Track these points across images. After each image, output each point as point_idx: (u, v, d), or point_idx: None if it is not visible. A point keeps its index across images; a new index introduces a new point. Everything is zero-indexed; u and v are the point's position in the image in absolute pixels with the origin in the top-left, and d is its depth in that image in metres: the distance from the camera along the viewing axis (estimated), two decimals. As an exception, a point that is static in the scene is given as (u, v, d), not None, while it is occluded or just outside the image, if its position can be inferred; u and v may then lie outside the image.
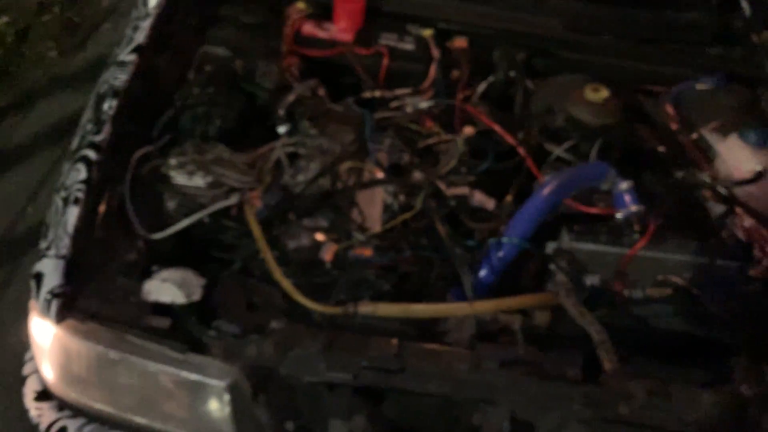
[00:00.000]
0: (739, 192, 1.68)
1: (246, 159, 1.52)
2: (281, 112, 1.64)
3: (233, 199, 1.43)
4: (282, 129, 1.61)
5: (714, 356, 1.46)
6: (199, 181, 1.44)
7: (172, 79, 1.67)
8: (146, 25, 1.70)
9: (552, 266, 1.52)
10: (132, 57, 1.62)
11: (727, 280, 1.53)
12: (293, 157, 1.59)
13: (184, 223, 1.39)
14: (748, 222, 1.63)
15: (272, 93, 1.65)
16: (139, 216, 1.39)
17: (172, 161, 1.46)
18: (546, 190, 1.49)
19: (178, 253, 1.38)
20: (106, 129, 1.48)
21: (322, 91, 1.74)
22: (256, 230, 1.38)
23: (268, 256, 1.34)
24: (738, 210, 1.65)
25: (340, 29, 1.84)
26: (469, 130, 1.66)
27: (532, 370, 1.29)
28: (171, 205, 1.45)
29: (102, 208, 1.39)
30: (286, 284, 1.31)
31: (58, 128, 3.03)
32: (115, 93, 1.53)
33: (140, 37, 1.67)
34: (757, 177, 1.67)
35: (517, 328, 1.40)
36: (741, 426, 1.27)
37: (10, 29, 3.51)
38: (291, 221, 1.45)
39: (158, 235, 1.38)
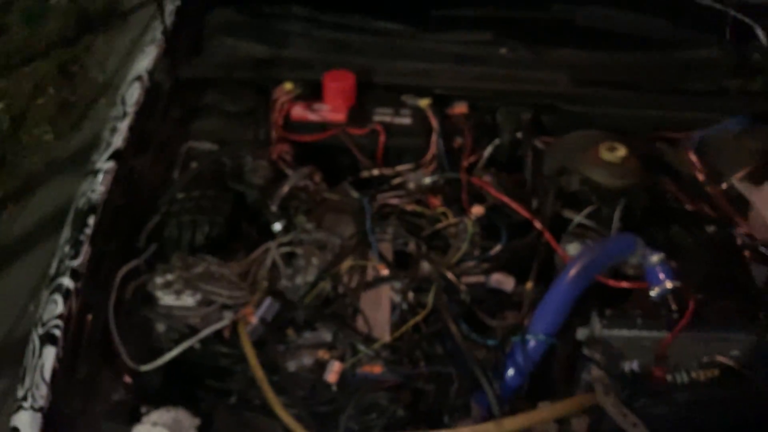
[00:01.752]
0: (784, 250, 1.53)
1: (238, 269, 1.40)
2: (274, 208, 1.52)
3: (226, 320, 1.30)
4: (277, 226, 1.49)
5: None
6: (187, 300, 1.32)
7: (155, 182, 1.57)
8: (124, 126, 1.60)
9: (586, 353, 1.37)
10: (109, 164, 1.51)
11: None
12: (290, 256, 1.46)
13: (174, 352, 1.26)
14: (798, 285, 1.47)
15: (263, 189, 1.54)
16: (124, 345, 1.27)
17: (158, 280, 1.34)
18: (571, 274, 1.35)
19: (169, 386, 1.25)
20: (85, 250, 1.36)
21: (318, 177, 1.62)
22: (252, 357, 1.25)
23: (265, 386, 1.20)
24: (785, 272, 1.49)
25: (332, 109, 1.73)
26: (477, 210, 1.52)
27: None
28: (159, 329, 1.32)
29: (83, 341, 1.27)
30: (288, 419, 1.17)
31: (59, 215, 2.92)
32: (92, 208, 1.43)
33: (118, 141, 1.57)
34: (801, 232, 1.52)
35: (553, 438, 1.25)
36: None
37: (6, 116, 3.47)
38: (290, 337, 1.32)
39: (146, 368, 1.26)
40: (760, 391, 1.35)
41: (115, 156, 1.53)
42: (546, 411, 1.22)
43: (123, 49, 4.02)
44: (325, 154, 1.70)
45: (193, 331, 1.30)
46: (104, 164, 1.52)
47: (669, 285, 1.39)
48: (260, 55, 1.86)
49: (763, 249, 1.52)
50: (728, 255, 1.57)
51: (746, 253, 1.56)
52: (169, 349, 1.26)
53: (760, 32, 2.05)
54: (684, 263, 1.48)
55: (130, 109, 1.64)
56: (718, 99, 1.91)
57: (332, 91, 1.72)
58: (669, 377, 1.38)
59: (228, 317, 1.31)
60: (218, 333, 1.31)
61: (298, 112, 1.73)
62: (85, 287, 1.32)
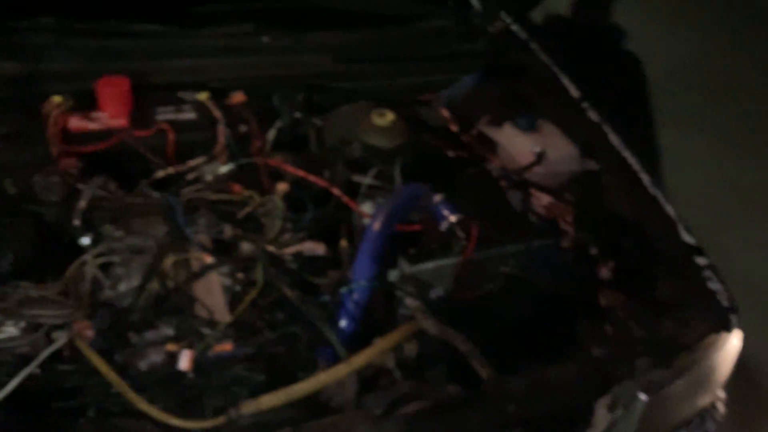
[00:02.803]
0: (529, 175, 1.86)
1: (57, 288, 1.35)
2: (77, 222, 1.48)
3: (61, 339, 1.27)
4: (85, 240, 1.46)
5: (558, 326, 1.62)
6: (11, 330, 1.26)
7: None
8: None
9: (398, 293, 1.56)
10: None
11: (547, 258, 1.69)
12: (106, 267, 1.45)
13: (12, 385, 1.20)
14: (545, 200, 1.82)
15: (60, 206, 1.49)
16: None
17: (-29, 318, 1.26)
18: (376, 226, 1.53)
19: (16, 419, 1.19)
20: None
21: (112, 186, 1.60)
22: (99, 363, 1.24)
23: (122, 386, 1.21)
24: (534, 192, 1.83)
25: (111, 115, 1.70)
26: (283, 187, 1.64)
27: (420, 402, 1.33)
28: (-15, 368, 1.24)
29: None
30: (154, 411, 1.19)
31: None
32: None
33: None
34: (539, 158, 1.87)
35: (392, 366, 1.43)
36: (605, 384, 1.42)
37: None
38: (133, 340, 1.32)
39: (-19, 411, 1.18)
40: (538, 287, 1.66)
41: None
42: (382, 343, 1.39)
43: None
44: (114, 162, 1.67)
45: (27, 359, 1.24)
46: None
47: (453, 219, 1.64)
48: (16, 72, 1.75)
49: (514, 177, 1.85)
50: (488, 187, 1.87)
51: (502, 183, 1.88)
52: (5, 384, 1.20)
53: (474, 0, 2.42)
54: (458, 200, 1.74)
55: None
56: (454, 62, 2.22)
57: (108, 97, 1.69)
58: (468, 294, 1.64)
59: (63, 336, 1.27)
60: (56, 354, 1.27)
61: (76, 123, 1.67)
62: None
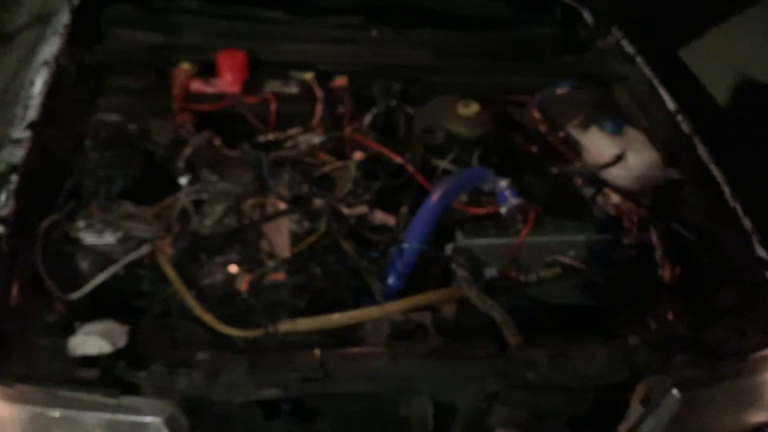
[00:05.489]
0: (605, 175, 1.89)
1: (152, 211, 1.59)
2: (180, 164, 1.72)
3: (144, 249, 1.50)
4: (183, 180, 1.70)
5: (605, 321, 1.64)
6: (109, 238, 1.51)
7: (68, 150, 1.73)
8: (36, 103, 1.76)
9: (453, 265, 1.66)
10: (26, 133, 1.67)
11: (605, 252, 1.71)
12: (198, 204, 1.67)
13: (100, 278, 1.44)
14: (616, 199, 1.83)
15: (168, 148, 1.74)
16: (54, 280, 1.44)
17: (80, 223, 1.52)
18: (435, 196, 1.64)
19: (99, 309, 1.43)
20: (11, 204, 1.52)
21: (217, 141, 1.84)
22: (170, 272, 1.46)
23: (185, 293, 1.41)
24: (606, 190, 1.85)
25: (227, 83, 1.96)
26: (358, 155, 1.80)
27: (445, 356, 1.41)
28: (84, 265, 1.50)
29: (16, 278, 1.42)
30: (207, 317, 1.38)
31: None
32: (13, 169, 1.58)
33: (32, 115, 1.73)
34: (617, 159, 1.89)
35: (428, 323, 1.52)
36: (632, 371, 1.43)
37: None
38: (203, 261, 1.53)
39: (75, 295, 1.43)
40: (593, 281, 1.69)
41: (31, 126, 1.69)
42: (420, 297, 1.50)
43: (9, 69, 4.05)
44: (223, 122, 1.91)
45: (116, 262, 1.48)
46: (21, 134, 1.67)
47: (514, 202, 1.71)
48: (156, 42, 2.07)
49: (587, 174, 1.88)
50: (564, 183, 1.92)
51: (578, 180, 1.92)
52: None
53: (586, 14, 2.47)
54: (530, 191, 1.81)
55: (41, 89, 1.80)
56: (554, 66, 2.29)
57: (225, 66, 1.96)
58: (522, 278, 1.69)
59: (146, 247, 1.50)
60: (139, 262, 1.50)
61: (197, 86, 1.95)
62: (13, 234, 1.48)
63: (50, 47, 1.96)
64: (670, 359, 1.45)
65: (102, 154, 1.66)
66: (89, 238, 1.50)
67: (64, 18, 2.05)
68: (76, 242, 1.51)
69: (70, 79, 1.89)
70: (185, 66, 1.98)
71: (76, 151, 1.73)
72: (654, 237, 1.74)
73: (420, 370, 1.37)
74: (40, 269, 1.45)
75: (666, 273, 1.70)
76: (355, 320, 1.43)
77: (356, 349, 1.39)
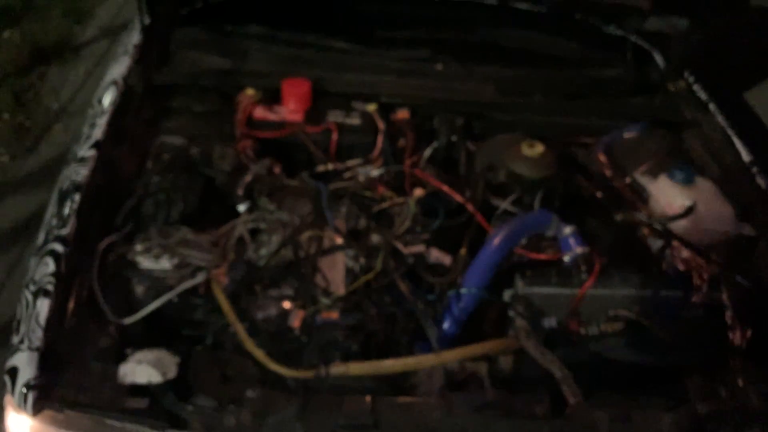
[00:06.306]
0: (674, 227, 1.81)
1: (210, 238, 1.58)
2: (240, 191, 1.72)
3: (200, 278, 1.48)
4: (242, 207, 1.69)
5: (669, 382, 1.55)
6: (165, 263, 1.50)
7: (131, 170, 1.74)
8: (102, 122, 1.78)
9: (511, 313, 1.60)
10: (91, 152, 1.69)
11: (672, 309, 1.63)
12: (255, 232, 1.66)
13: (154, 305, 1.43)
14: (685, 253, 1.75)
15: (230, 174, 1.74)
16: (108, 303, 1.43)
17: (138, 247, 1.51)
18: (497, 240, 1.59)
19: (151, 335, 1.42)
20: (72, 223, 1.53)
21: (277, 169, 1.83)
22: (225, 304, 1.44)
23: (238, 327, 1.39)
24: (675, 243, 1.77)
25: (290, 111, 1.95)
26: (419, 192, 1.76)
27: (502, 412, 1.35)
28: (139, 289, 1.49)
29: (72, 299, 1.42)
30: (259, 353, 1.35)
31: (15, 231, 3.03)
32: (77, 188, 1.59)
33: (98, 134, 1.74)
34: (688, 211, 1.80)
35: (484, 373, 1.47)
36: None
37: (-40, 139, 3.55)
38: (257, 293, 1.50)
39: (129, 320, 1.42)
40: (657, 338, 1.60)
41: (96, 145, 1.71)
42: (477, 347, 1.44)
43: (76, 79, 4.16)
44: (284, 150, 1.91)
45: (171, 289, 1.47)
46: (86, 152, 1.69)
47: (579, 250, 1.65)
48: (223, 67, 2.08)
49: (657, 225, 1.80)
50: (629, 232, 1.84)
51: (645, 230, 1.84)
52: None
53: (657, 57, 2.40)
54: (593, 238, 1.74)
55: (108, 107, 1.82)
56: (622, 109, 2.22)
57: (290, 94, 1.95)
58: (582, 330, 1.62)
59: (202, 275, 1.49)
60: (193, 290, 1.49)
61: (260, 112, 1.94)
62: (72, 254, 1.48)
63: (119, 66, 1.99)
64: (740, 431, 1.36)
65: (164, 176, 1.67)
66: (146, 263, 1.50)
67: (134, 38, 2.09)
68: (133, 266, 1.51)
69: (137, 99, 1.91)
70: (250, 92, 1.98)
71: (138, 172, 1.74)
72: (725, 296, 1.65)
73: (475, 425, 1.31)
74: (96, 291, 1.45)
75: (737, 336, 1.61)
76: (410, 368, 1.38)
77: (409, 399, 1.34)
